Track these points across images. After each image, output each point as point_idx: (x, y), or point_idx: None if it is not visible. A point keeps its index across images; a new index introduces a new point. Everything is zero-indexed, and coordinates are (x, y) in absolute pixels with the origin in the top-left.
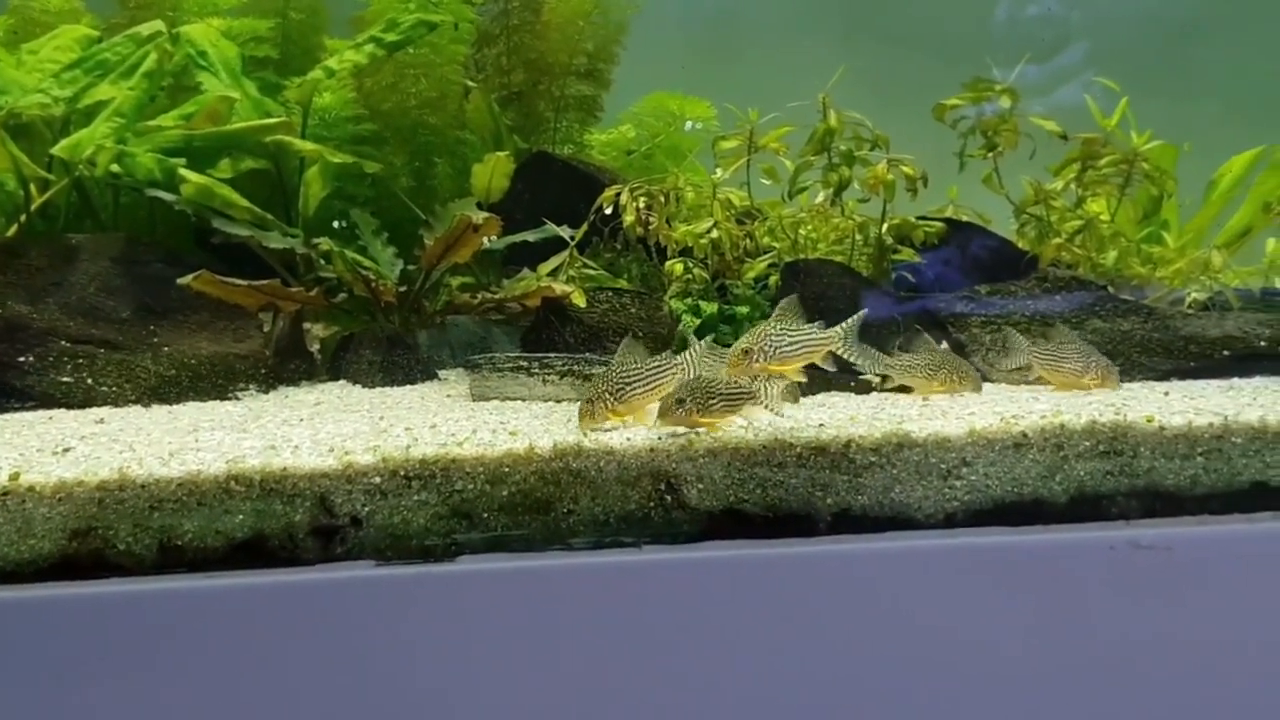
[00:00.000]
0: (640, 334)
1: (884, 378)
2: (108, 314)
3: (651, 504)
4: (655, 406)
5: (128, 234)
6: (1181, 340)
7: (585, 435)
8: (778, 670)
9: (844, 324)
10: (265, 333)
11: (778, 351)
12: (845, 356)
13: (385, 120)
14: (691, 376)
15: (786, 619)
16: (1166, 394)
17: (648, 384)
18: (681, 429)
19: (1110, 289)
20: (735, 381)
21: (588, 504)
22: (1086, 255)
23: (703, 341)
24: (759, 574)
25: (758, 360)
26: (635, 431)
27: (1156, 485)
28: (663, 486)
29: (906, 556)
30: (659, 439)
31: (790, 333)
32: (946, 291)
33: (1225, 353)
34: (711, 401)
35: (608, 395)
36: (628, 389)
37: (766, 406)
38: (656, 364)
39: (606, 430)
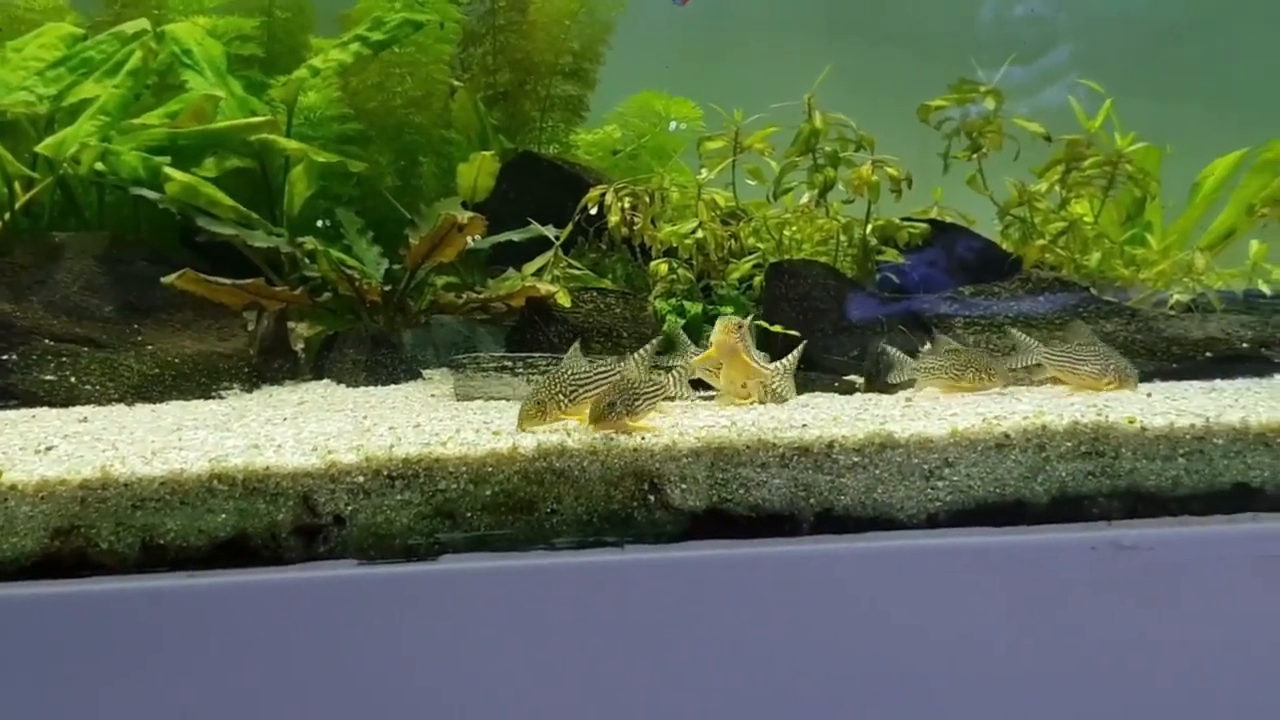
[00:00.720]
0: (626, 334)
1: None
2: (92, 312)
3: (635, 504)
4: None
5: (112, 232)
6: (1164, 342)
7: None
8: (761, 670)
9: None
10: (249, 332)
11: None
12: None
13: (370, 119)
14: (635, 380)
15: (769, 619)
16: (1149, 395)
17: (597, 387)
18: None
19: (1093, 290)
20: (653, 380)
21: (571, 504)
22: (1070, 257)
23: (647, 346)
24: (742, 574)
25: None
26: (585, 430)
27: (1138, 486)
28: (646, 486)
29: (889, 557)
30: (642, 439)
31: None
32: (931, 293)
33: (1208, 354)
34: (637, 403)
35: (561, 397)
36: (580, 391)
37: (679, 397)
38: (604, 368)
39: (543, 432)
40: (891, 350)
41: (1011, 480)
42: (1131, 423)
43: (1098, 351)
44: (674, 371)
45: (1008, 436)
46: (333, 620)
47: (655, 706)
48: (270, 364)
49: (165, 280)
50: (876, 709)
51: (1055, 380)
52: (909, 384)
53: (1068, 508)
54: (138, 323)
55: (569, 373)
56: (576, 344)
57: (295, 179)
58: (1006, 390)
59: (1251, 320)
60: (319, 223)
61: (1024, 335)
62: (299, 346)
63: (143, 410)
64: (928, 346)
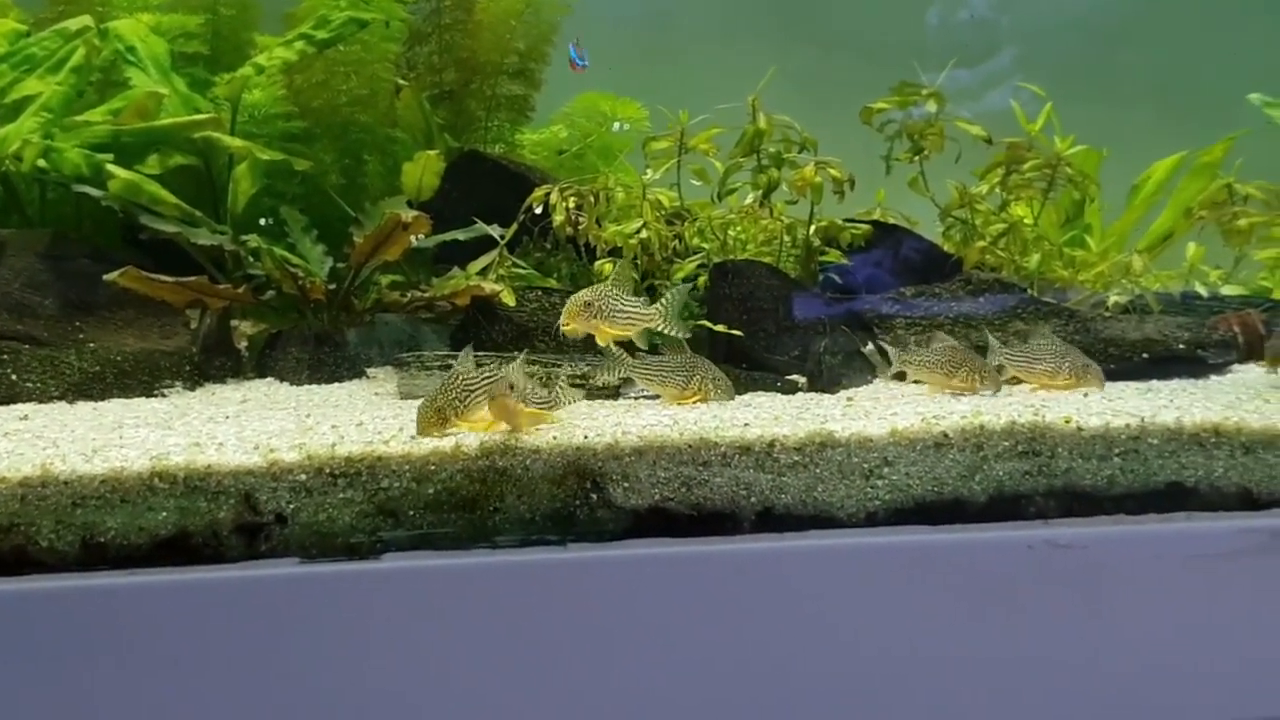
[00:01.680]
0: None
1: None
2: (33, 310)
3: (577, 502)
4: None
5: (54, 229)
6: (1102, 343)
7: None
8: (703, 668)
9: (662, 302)
10: (192, 330)
11: (611, 314)
12: (666, 331)
13: (315, 117)
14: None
15: (711, 617)
16: (1086, 395)
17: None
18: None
19: (1033, 292)
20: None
21: (513, 502)
22: (1010, 258)
23: (521, 356)
24: (683, 572)
25: (594, 317)
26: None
27: (1074, 485)
28: (589, 485)
29: (829, 555)
30: (585, 437)
31: (624, 299)
32: (874, 293)
33: (1144, 355)
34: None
35: (457, 403)
36: (471, 397)
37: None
38: (490, 374)
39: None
40: (879, 344)
41: (950, 479)
42: (1068, 423)
43: (1054, 350)
44: (559, 383)
45: (946, 436)
46: (274, 618)
47: (598, 704)
48: (213, 362)
49: (108, 278)
50: (817, 706)
51: (1015, 380)
52: (860, 381)
53: (1005, 506)
54: (80, 320)
55: (461, 379)
56: (468, 349)
57: (239, 177)
58: (992, 393)
59: (1188, 322)
60: (262, 221)
61: (990, 336)
62: (242, 345)
63: (84, 408)
64: (869, 346)
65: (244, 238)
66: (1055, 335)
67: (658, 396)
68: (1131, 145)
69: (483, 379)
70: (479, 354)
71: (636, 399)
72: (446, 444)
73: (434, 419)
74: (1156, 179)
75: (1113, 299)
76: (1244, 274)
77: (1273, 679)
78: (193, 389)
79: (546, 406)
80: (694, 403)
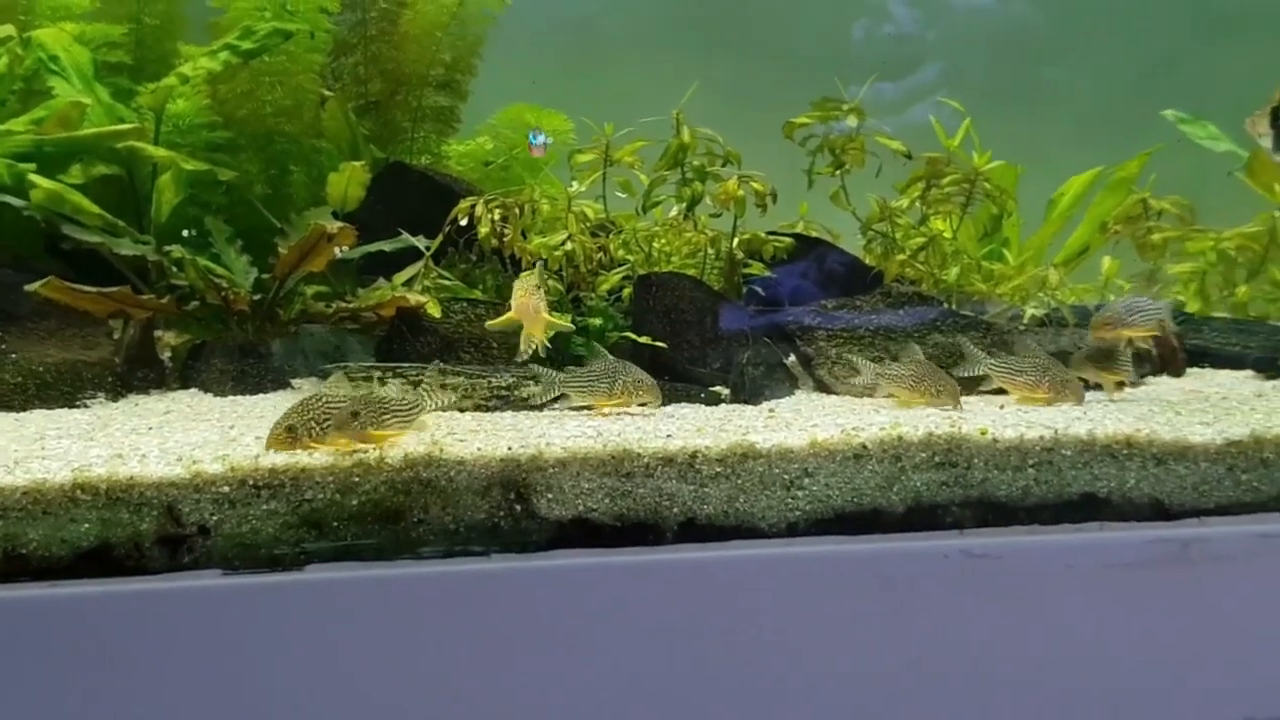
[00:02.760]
0: (495, 345)
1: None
2: None
3: (501, 513)
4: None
5: None
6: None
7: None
8: (624, 677)
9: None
10: (115, 340)
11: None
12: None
13: (240, 127)
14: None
15: (634, 627)
16: (1002, 407)
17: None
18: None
19: (951, 304)
20: (406, 400)
21: (438, 513)
22: (929, 271)
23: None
24: (606, 582)
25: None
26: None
27: (990, 496)
28: (513, 496)
29: (750, 565)
30: (510, 449)
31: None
32: (797, 305)
33: None
34: (385, 417)
35: (313, 424)
36: (331, 420)
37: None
38: (361, 398)
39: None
40: (856, 359)
41: (869, 490)
42: (983, 434)
43: (1037, 363)
44: (423, 386)
45: (865, 447)
46: (197, 630)
47: (521, 713)
48: (136, 373)
49: (29, 288)
50: (738, 713)
51: (999, 390)
52: (782, 392)
53: (922, 517)
54: (1, 331)
55: (323, 401)
56: (339, 372)
57: (163, 187)
58: (950, 408)
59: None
60: (185, 232)
61: (972, 346)
62: (166, 355)
63: (5, 419)
64: (791, 358)
65: (167, 248)
66: (1041, 349)
67: (589, 407)
68: (1049, 160)
69: (344, 403)
70: (406, 365)
71: (561, 411)
72: (371, 456)
73: (283, 436)
74: (1073, 194)
75: (1029, 312)
76: (1157, 288)
77: (1183, 687)
78: (116, 400)
79: (408, 417)
80: (619, 406)
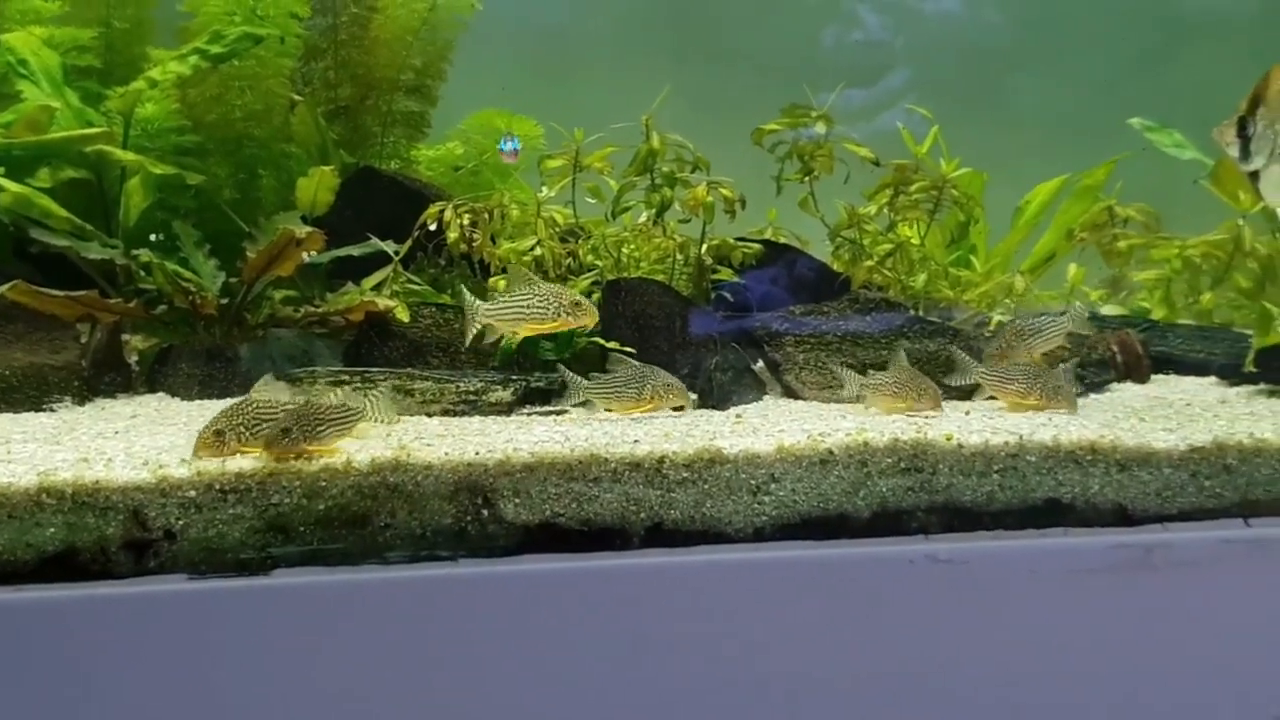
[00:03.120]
0: (463, 350)
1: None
2: None
3: (468, 518)
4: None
5: None
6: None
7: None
8: (591, 681)
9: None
10: (82, 344)
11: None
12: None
13: (209, 132)
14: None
15: (601, 632)
16: (968, 413)
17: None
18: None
19: (918, 310)
20: (345, 407)
21: (405, 518)
22: (897, 278)
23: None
24: (573, 587)
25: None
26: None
27: (955, 501)
28: (479, 501)
29: (716, 570)
30: (477, 453)
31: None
32: (766, 311)
33: None
34: (320, 428)
35: (242, 429)
36: (263, 425)
37: (377, 421)
38: (290, 404)
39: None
40: (840, 369)
41: (835, 495)
42: (949, 440)
43: (1028, 372)
44: (372, 395)
45: (831, 453)
46: (163, 634)
47: (489, 718)
48: (103, 377)
49: None
50: (703, 719)
51: (993, 397)
52: (750, 398)
53: (888, 522)
54: None
55: (254, 405)
56: (268, 376)
57: (131, 191)
58: (933, 413)
59: (1068, 341)
60: (153, 236)
61: (963, 354)
62: (133, 359)
63: None
64: (759, 363)
65: (135, 252)
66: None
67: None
68: (1017, 167)
69: (280, 408)
70: (374, 369)
71: (530, 415)
72: (338, 460)
73: (211, 441)
74: (1040, 201)
75: (996, 318)
76: (1123, 294)
77: (1146, 691)
78: (82, 404)
79: (345, 426)
80: (649, 411)
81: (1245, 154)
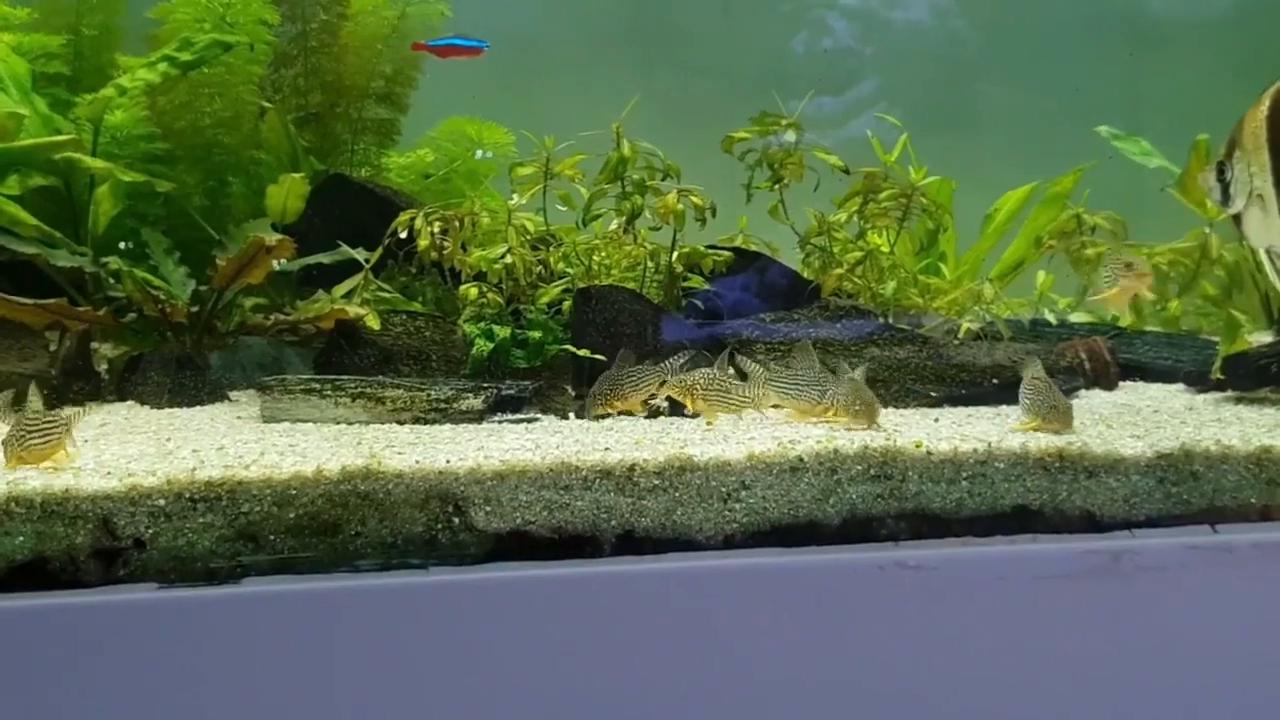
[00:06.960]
0: (435, 357)
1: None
2: None
3: (439, 526)
4: None
5: None
6: (954, 368)
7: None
8: (562, 689)
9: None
10: (51, 352)
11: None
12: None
13: (179, 139)
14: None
15: (572, 640)
16: (937, 420)
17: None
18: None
19: (887, 318)
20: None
21: (375, 526)
22: (867, 285)
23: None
24: (544, 595)
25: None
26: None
27: (924, 508)
28: (450, 509)
29: (687, 577)
30: (448, 461)
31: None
32: (736, 318)
33: (995, 381)
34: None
35: (12, 440)
36: (28, 436)
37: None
38: (50, 416)
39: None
40: (750, 364)
41: (805, 502)
42: (918, 447)
43: (814, 379)
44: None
45: (801, 460)
46: (132, 643)
47: None
48: (72, 385)
49: None
50: None
51: (777, 407)
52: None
53: (858, 529)
54: None
55: (23, 419)
56: (31, 386)
57: (100, 198)
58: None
59: (1037, 348)
60: (122, 244)
61: (751, 362)
62: (102, 367)
63: None
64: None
65: (105, 259)
66: (1039, 377)
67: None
68: (986, 175)
69: (43, 420)
70: (345, 377)
71: (501, 423)
72: (308, 468)
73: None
74: (1008, 209)
75: (965, 326)
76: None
77: (1114, 698)
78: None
79: (53, 439)
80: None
81: (1225, 198)
